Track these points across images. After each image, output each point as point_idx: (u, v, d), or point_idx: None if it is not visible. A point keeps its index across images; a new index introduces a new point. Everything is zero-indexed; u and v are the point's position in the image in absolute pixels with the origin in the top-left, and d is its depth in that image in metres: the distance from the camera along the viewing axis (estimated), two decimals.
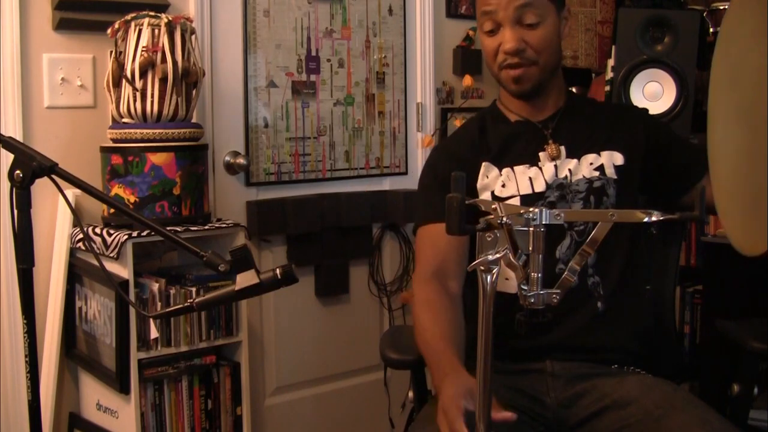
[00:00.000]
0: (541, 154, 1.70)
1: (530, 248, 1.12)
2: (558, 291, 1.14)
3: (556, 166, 1.69)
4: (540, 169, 1.69)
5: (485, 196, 1.69)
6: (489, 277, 1.12)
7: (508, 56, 1.65)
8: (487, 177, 1.71)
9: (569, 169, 1.68)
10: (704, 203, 1.14)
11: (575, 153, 1.70)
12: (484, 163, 1.71)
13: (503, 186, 1.69)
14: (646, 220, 1.15)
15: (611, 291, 1.66)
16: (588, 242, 1.17)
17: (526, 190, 1.68)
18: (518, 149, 1.72)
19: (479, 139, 1.76)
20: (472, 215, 1.15)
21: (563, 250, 1.64)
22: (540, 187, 1.68)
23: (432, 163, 1.81)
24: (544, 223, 1.12)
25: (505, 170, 1.70)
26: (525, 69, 1.66)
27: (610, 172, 1.68)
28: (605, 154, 1.70)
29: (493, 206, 1.15)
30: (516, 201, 1.68)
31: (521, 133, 1.74)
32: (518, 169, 1.70)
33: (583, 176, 1.68)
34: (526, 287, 1.13)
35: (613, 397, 1.55)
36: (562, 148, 1.71)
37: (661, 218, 1.14)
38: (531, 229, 1.12)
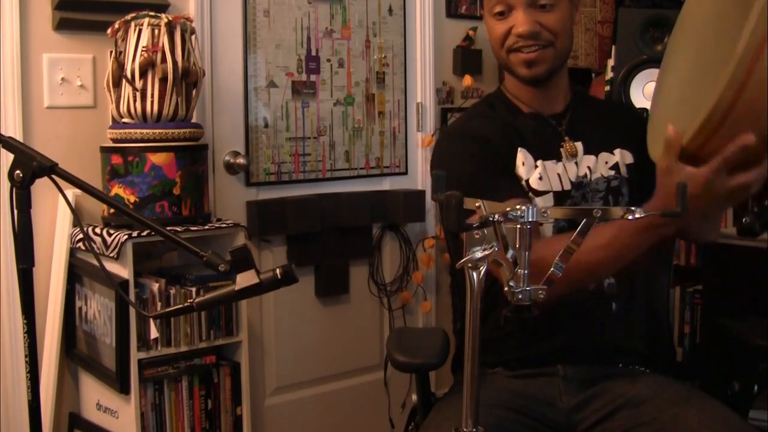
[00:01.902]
0: (561, 150, 1.66)
1: (517, 245, 1.12)
2: (545, 287, 1.14)
3: (576, 163, 1.66)
4: (564, 166, 1.65)
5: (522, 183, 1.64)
6: (476, 275, 1.12)
7: (521, 40, 1.60)
8: (524, 164, 1.64)
9: (588, 167, 1.66)
10: (685, 200, 1.15)
11: (592, 150, 1.67)
12: (520, 149, 1.65)
13: (540, 179, 1.63)
14: (630, 217, 1.15)
15: (625, 291, 1.65)
16: (572, 239, 1.17)
17: (557, 186, 1.64)
18: (544, 143, 1.67)
19: (509, 124, 1.69)
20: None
21: None
22: (567, 185, 1.64)
23: (461, 146, 1.67)
24: (530, 220, 1.13)
25: (540, 162, 1.65)
26: (540, 51, 1.60)
27: (623, 171, 1.67)
28: (617, 152, 1.68)
29: (477, 204, 1.15)
30: (550, 197, 1.63)
31: (539, 126, 1.69)
32: (548, 164, 1.65)
33: (602, 175, 1.66)
34: (513, 284, 1.14)
35: (626, 397, 1.55)
36: (579, 144, 1.67)
37: (643, 215, 1.15)
38: (517, 226, 1.13)
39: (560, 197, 1.63)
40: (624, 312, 1.65)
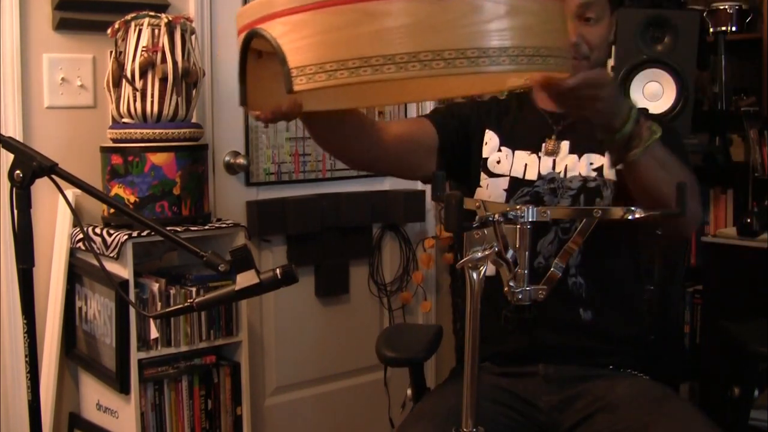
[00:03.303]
0: (543, 144, 1.69)
1: (517, 245, 1.13)
2: (545, 287, 1.14)
3: (554, 160, 1.67)
4: (539, 158, 1.68)
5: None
6: (476, 275, 1.12)
7: None
8: (487, 144, 1.72)
9: (566, 165, 1.66)
10: (684, 199, 1.14)
11: (577, 150, 1.67)
12: (488, 130, 1.73)
13: (498, 162, 1.69)
14: (629, 217, 1.15)
15: (598, 296, 1.63)
16: (572, 239, 1.17)
17: (517, 173, 1.67)
18: (525, 134, 1.71)
19: (492, 109, 1.77)
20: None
21: (545, 244, 1.63)
22: (532, 175, 1.67)
23: (443, 106, 1.85)
24: (530, 220, 1.13)
25: (505, 148, 1.70)
26: (576, 62, 1.59)
27: (609, 173, 1.64)
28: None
29: (477, 204, 1.15)
30: (505, 181, 1.67)
31: (531, 120, 1.73)
32: (519, 152, 1.69)
33: (579, 174, 1.65)
34: (513, 284, 1.14)
35: (606, 400, 1.54)
36: (565, 143, 1.68)
37: (643, 215, 1.15)
38: (517, 226, 1.13)
39: (517, 184, 1.67)
40: (598, 320, 1.63)
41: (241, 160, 2.61)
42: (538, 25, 1.08)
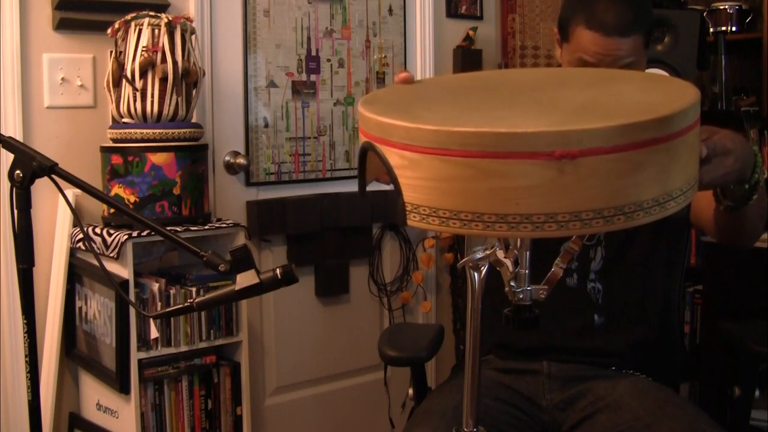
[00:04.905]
0: None
1: (518, 244, 1.12)
2: (545, 287, 1.14)
3: None
4: None
5: None
6: (477, 275, 1.12)
7: (607, 59, 1.55)
8: None
9: None
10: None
11: None
12: None
13: None
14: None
15: (614, 303, 1.64)
16: (572, 240, 1.17)
17: None
18: None
19: None
20: None
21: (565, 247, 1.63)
22: None
23: None
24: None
25: None
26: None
27: None
28: None
29: None
30: None
31: None
32: None
33: None
34: (514, 284, 1.13)
35: (606, 401, 1.54)
36: None
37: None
38: None
39: None
40: (609, 324, 1.64)
41: (241, 160, 2.61)
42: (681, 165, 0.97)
